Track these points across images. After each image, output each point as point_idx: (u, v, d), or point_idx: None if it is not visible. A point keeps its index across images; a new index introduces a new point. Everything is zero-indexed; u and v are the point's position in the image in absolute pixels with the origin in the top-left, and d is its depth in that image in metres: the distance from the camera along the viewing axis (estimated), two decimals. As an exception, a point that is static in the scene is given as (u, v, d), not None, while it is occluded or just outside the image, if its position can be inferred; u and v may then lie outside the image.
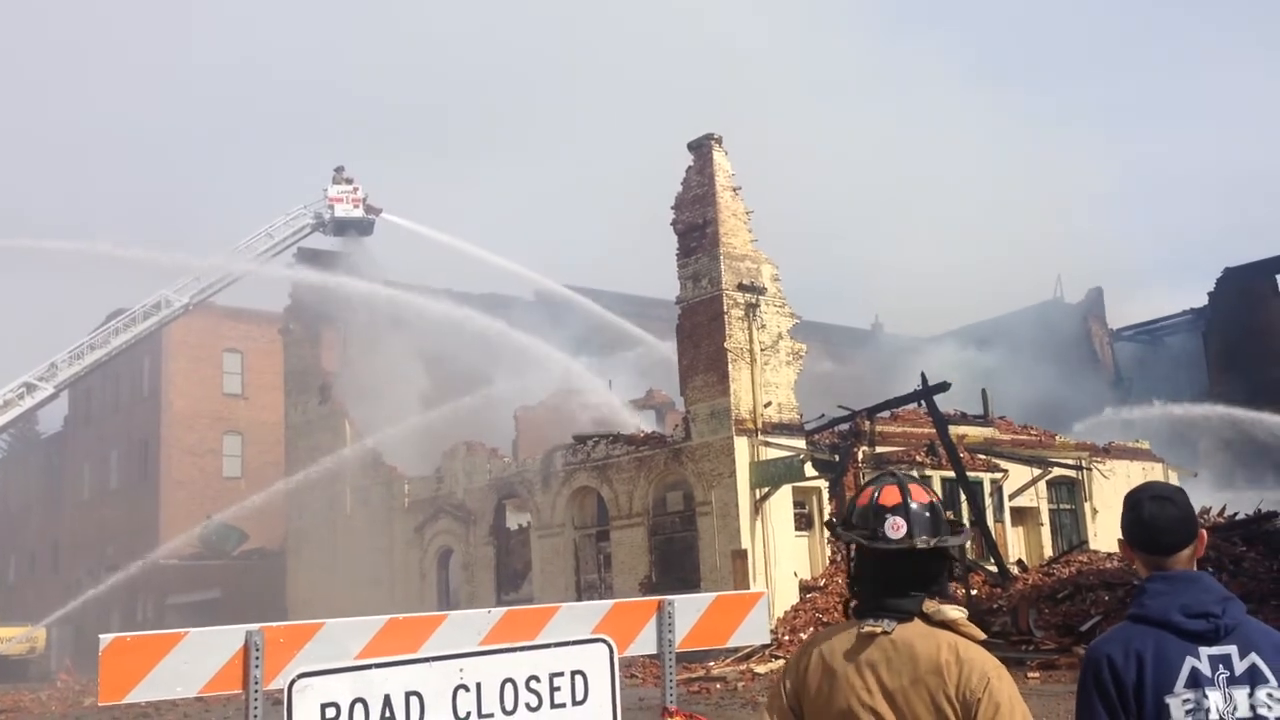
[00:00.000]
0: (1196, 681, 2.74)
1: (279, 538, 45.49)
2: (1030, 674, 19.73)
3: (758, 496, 27.54)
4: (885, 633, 2.81)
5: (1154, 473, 36.30)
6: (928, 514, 2.93)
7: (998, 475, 31.14)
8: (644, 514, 30.05)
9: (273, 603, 42.14)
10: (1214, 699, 2.73)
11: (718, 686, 21.08)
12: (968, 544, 28.90)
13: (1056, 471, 33.36)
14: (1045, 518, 32.79)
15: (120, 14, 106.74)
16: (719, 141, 29.07)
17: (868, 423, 29.99)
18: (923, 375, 28.94)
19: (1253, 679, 2.77)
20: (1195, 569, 3.00)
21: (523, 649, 4.53)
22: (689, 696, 19.40)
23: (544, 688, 4.50)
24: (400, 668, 4.24)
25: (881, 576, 2.88)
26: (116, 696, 4.13)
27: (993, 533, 28.92)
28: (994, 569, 26.91)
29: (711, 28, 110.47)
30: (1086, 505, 33.63)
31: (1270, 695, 2.75)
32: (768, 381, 28.35)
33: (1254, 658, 2.80)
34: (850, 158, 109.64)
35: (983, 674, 2.79)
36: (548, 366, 38.28)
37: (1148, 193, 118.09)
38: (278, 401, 46.66)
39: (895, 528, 2.86)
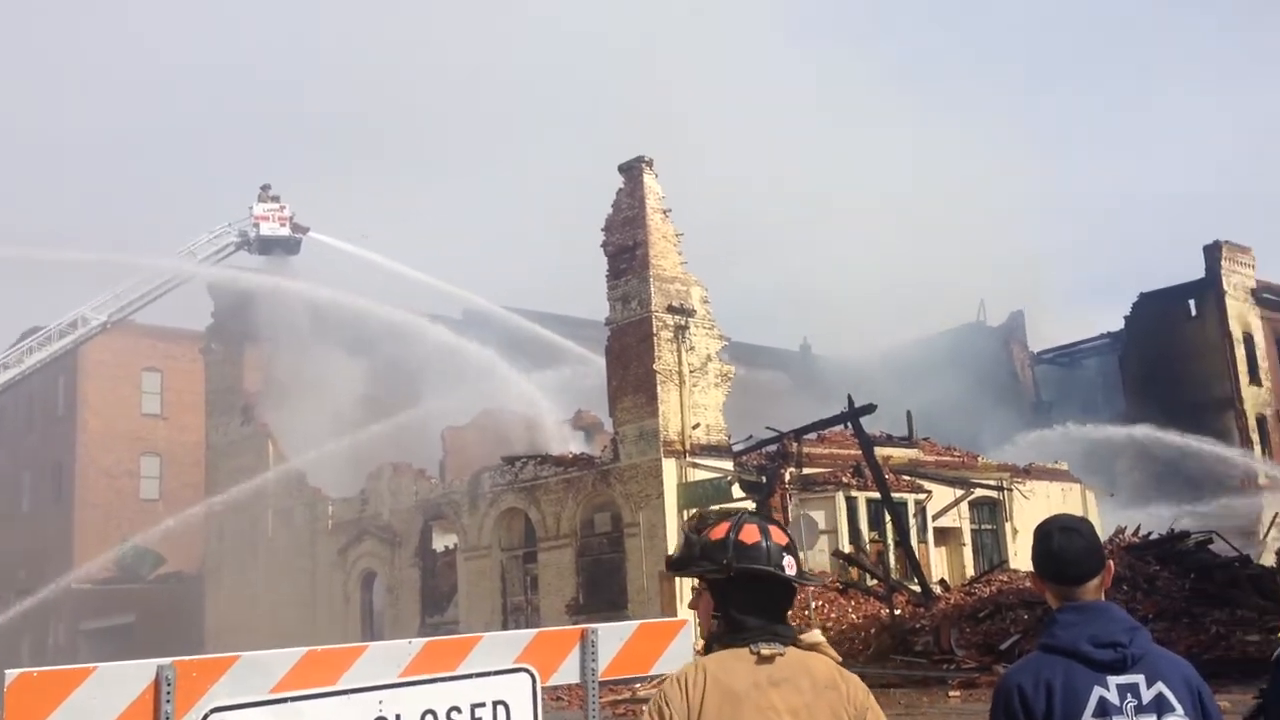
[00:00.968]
0: (1104, 710, 2.79)
1: (197, 561, 44.55)
2: (952, 693, 19.97)
3: (685, 518, 27.59)
4: (781, 654, 2.97)
5: (1072, 493, 37.08)
6: (792, 554, 3.15)
7: (921, 496, 31.56)
8: (572, 535, 29.96)
9: (190, 627, 41.23)
10: None
11: (642, 708, 21.02)
12: (892, 563, 29.26)
13: (978, 492, 33.92)
14: (967, 538, 33.30)
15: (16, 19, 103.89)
16: (649, 164, 29.22)
17: (795, 444, 30.25)
18: (849, 398, 29.27)
19: (1159, 708, 2.84)
20: (1103, 598, 3.06)
21: (444, 679, 4.49)
22: (614, 719, 19.32)
23: (465, 718, 4.46)
24: (318, 700, 4.17)
25: (767, 606, 3.04)
26: (22, 733, 4.00)
27: (916, 553, 29.27)
28: (917, 588, 27.22)
29: (644, 48, 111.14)
30: (1007, 525, 34.21)
31: None
32: (696, 403, 28.47)
33: (1160, 686, 2.87)
34: (778, 179, 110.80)
35: (863, 688, 3.11)
36: (501, 382, 38.04)
37: (1068, 217, 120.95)
38: (198, 422, 45.77)
39: (790, 565, 3.08)
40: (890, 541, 29.69)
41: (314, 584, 37.54)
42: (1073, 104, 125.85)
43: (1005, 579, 28.11)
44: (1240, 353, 47.71)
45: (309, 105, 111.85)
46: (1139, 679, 2.85)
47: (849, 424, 29.58)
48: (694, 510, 27.52)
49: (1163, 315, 49.35)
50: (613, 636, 5.03)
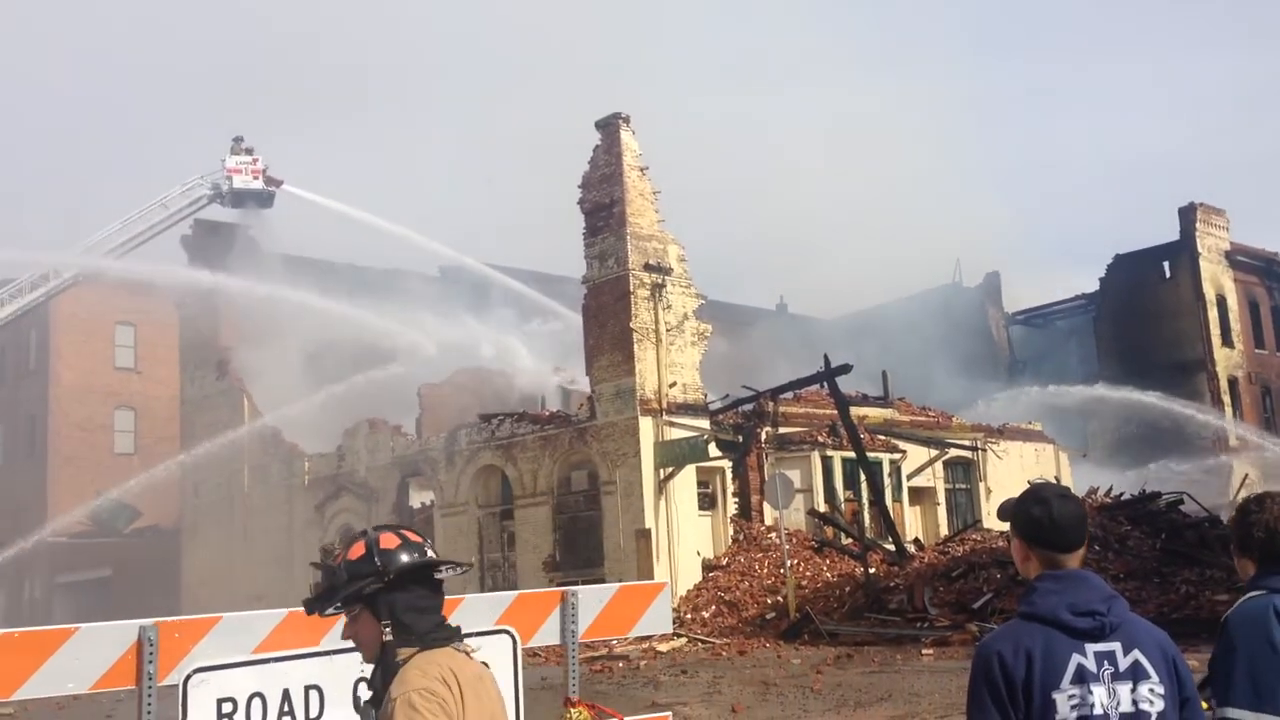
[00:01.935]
0: (1082, 677, 2.84)
1: (173, 515, 44.45)
2: (925, 651, 20.23)
3: (662, 476, 27.72)
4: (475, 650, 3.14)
5: (1046, 454, 37.43)
6: (431, 548, 3.23)
7: (896, 456, 31.79)
8: (549, 493, 30.05)
9: (167, 582, 41.24)
10: (1099, 694, 2.84)
11: (620, 665, 21.21)
12: (867, 522, 29.49)
13: (953, 452, 34.19)
14: (942, 497, 33.62)
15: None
16: (627, 121, 29.05)
17: (771, 403, 30.39)
18: (825, 357, 29.37)
19: (1135, 675, 2.89)
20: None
21: (426, 640, 4.50)
22: (591, 676, 19.48)
23: (447, 679, 4.49)
24: (300, 661, 4.19)
25: (432, 604, 3.14)
26: (5, 693, 4.01)
27: (891, 512, 29.53)
28: (892, 547, 27.48)
29: (624, 4, 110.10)
30: (981, 485, 34.53)
31: (1152, 690, 2.88)
32: (673, 362, 28.51)
33: (1137, 654, 2.92)
34: (757, 138, 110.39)
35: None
36: (479, 342, 37.93)
37: (1047, 178, 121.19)
38: (173, 376, 45.49)
39: (433, 552, 3.18)
40: (865, 500, 29.94)
41: (290, 540, 37.56)
42: (1053, 64, 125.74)
43: (979, 538, 28.42)
44: (1213, 315, 48.12)
45: (291, 59, 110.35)
46: (1116, 647, 2.90)
47: (825, 384, 29.72)
48: (669, 469, 27.66)
49: (1137, 277, 49.69)
50: (593, 599, 5.07)
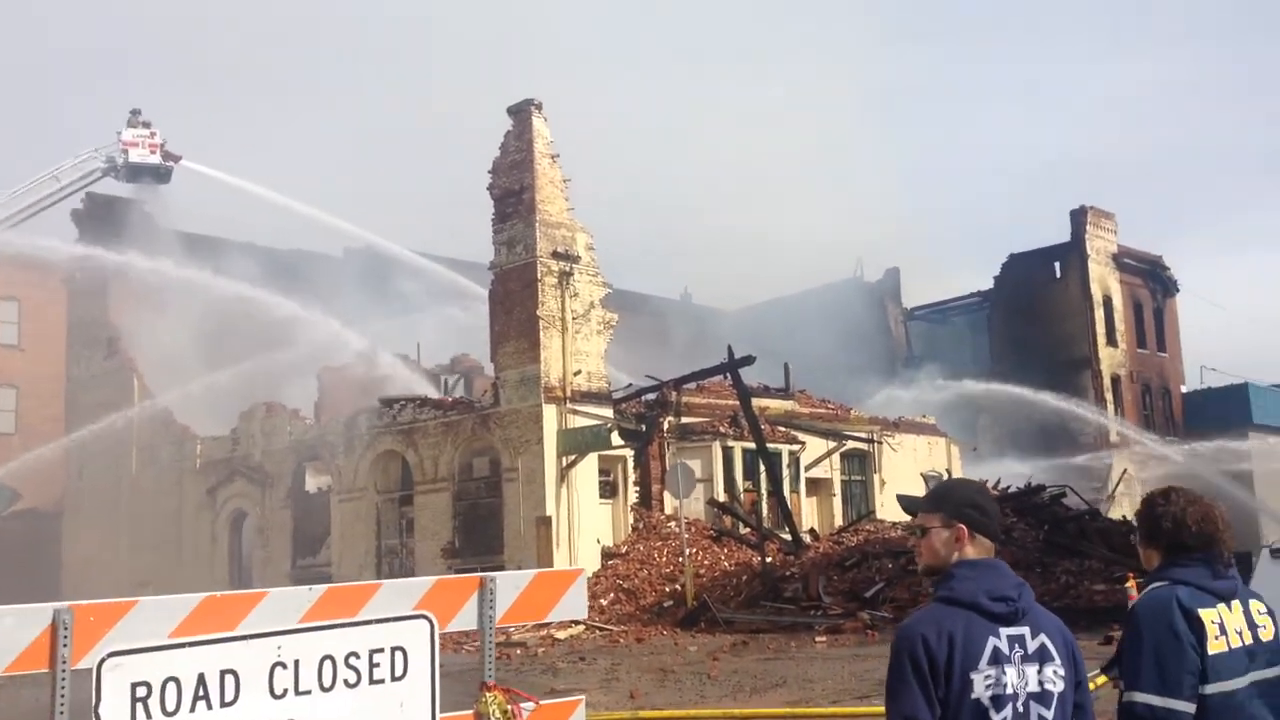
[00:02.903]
0: (997, 659, 3.03)
1: (55, 498, 43.02)
2: (818, 638, 20.66)
3: (564, 464, 27.77)
4: None
5: (938, 447, 38.39)
6: None
7: (796, 447, 32.30)
8: (449, 479, 29.87)
9: (46, 566, 39.90)
10: (1010, 675, 3.04)
11: (518, 652, 21.24)
12: (765, 512, 29.94)
13: (850, 444, 34.85)
14: (837, 488, 34.25)
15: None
16: (539, 107, 28.95)
17: (674, 393, 30.63)
18: (729, 349, 29.72)
19: (1042, 657, 3.10)
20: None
21: (343, 625, 4.49)
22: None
23: (363, 664, 4.49)
24: (215, 646, 4.15)
25: None
26: (-96, 678, 3.91)
27: (788, 502, 30.02)
28: (789, 537, 27.95)
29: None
30: (876, 476, 35.27)
31: (1055, 672, 3.10)
32: (578, 350, 28.56)
33: (1043, 638, 3.14)
34: (665, 128, 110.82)
35: None
36: (340, 341, 37.28)
37: (948, 178, 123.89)
38: (58, 354, 43.93)
39: None
40: (764, 491, 30.38)
41: (180, 524, 36.70)
42: (961, 64, 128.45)
43: (872, 529, 29.07)
44: (1099, 315, 49.84)
45: (195, 34, 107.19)
46: (1025, 631, 3.10)
47: (728, 374, 30.08)
48: (571, 456, 27.73)
49: (1029, 276, 51.20)
50: (510, 585, 5.11)
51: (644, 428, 29.95)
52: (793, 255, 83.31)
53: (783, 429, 32.29)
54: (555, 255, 28.39)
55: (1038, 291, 50.63)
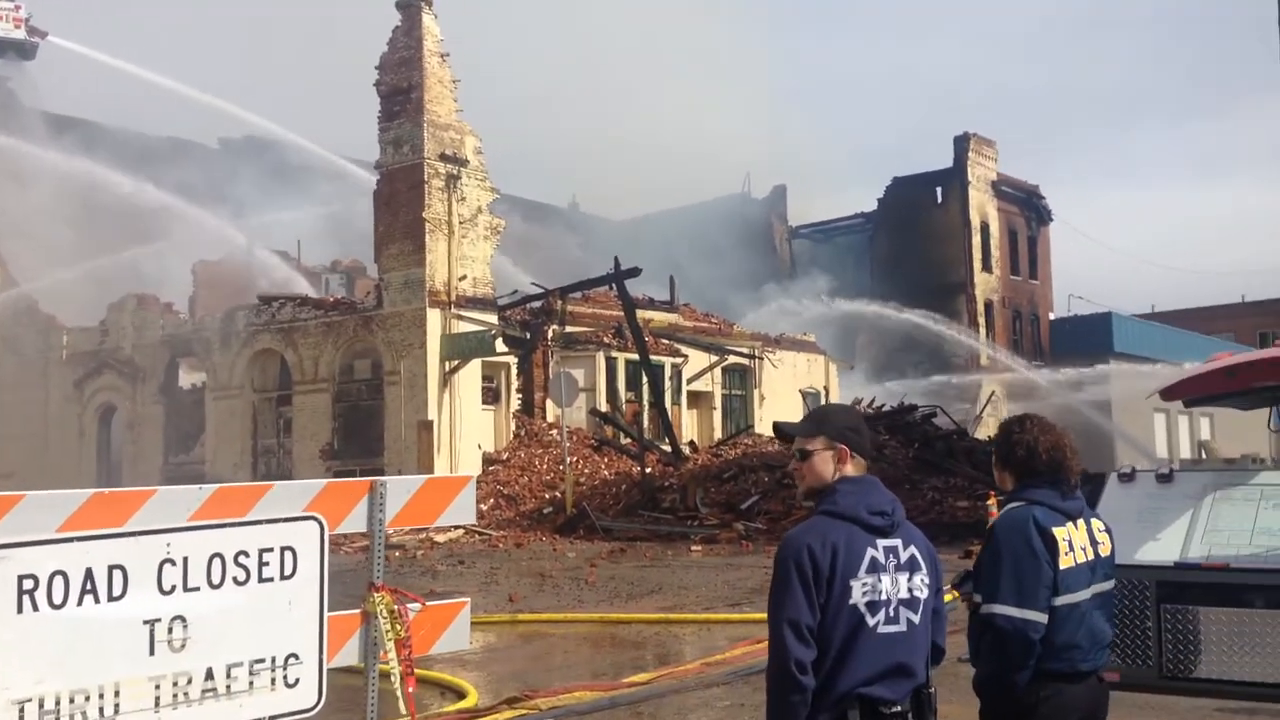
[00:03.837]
0: (875, 567, 3.27)
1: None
2: (694, 547, 21.22)
3: (447, 369, 27.67)
4: None
5: (817, 364, 39.28)
6: None
7: (679, 360, 32.70)
8: (329, 380, 29.53)
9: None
10: (885, 582, 3.29)
11: (396, 555, 21.30)
12: (646, 423, 30.34)
13: (731, 359, 35.42)
14: (718, 402, 34.87)
15: None
16: (429, 3, 28.18)
17: (560, 302, 30.65)
18: (615, 259, 29.76)
19: (911, 567, 3.36)
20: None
21: (232, 524, 4.51)
22: (366, 563, 19.51)
23: (253, 563, 4.53)
24: (104, 541, 4.14)
25: None
26: None
27: (669, 414, 30.46)
28: (668, 449, 28.43)
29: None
30: (756, 392, 35.98)
31: (922, 580, 3.37)
32: (464, 255, 28.30)
33: (913, 549, 3.39)
34: (557, 32, 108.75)
35: None
36: (212, 232, 36.22)
37: (838, 97, 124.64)
38: (-88, 236, 41.77)
39: None
40: (646, 402, 30.77)
41: (46, 417, 35.59)
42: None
43: (750, 443, 29.71)
44: (976, 241, 51.17)
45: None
46: (898, 543, 3.34)
47: (614, 285, 30.16)
48: (454, 362, 27.63)
49: (912, 199, 52.16)
50: (401, 489, 5.17)
51: (528, 335, 29.97)
52: (681, 170, 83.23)
53: (666, 341, 32.62)
54: (443, 158, 27.92)
55: (919, 215, 51.66)
